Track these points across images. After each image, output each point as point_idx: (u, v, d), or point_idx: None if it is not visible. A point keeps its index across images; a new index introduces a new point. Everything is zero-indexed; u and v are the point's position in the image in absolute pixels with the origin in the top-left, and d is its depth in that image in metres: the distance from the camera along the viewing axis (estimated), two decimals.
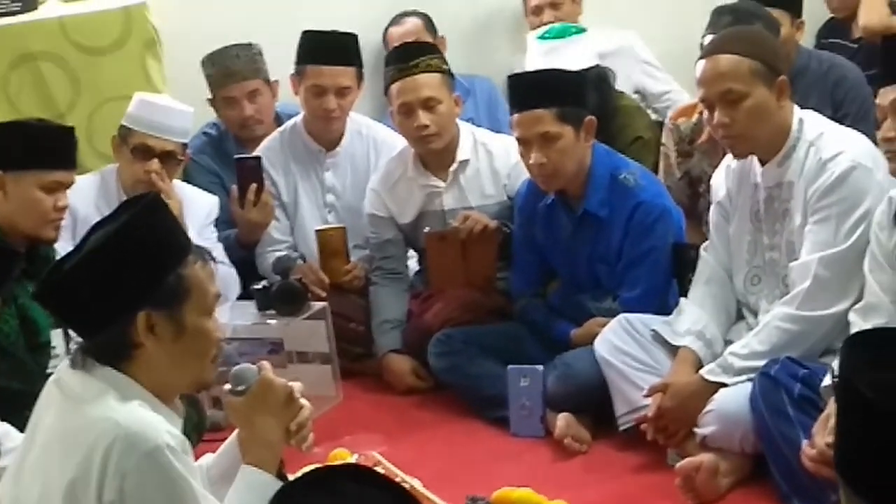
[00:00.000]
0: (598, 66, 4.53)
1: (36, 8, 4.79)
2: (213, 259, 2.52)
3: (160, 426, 2.33)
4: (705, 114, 3.63)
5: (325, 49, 4.64)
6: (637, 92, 5.23)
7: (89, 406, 2.34)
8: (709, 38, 3.83)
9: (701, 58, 3.56)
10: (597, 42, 5.36)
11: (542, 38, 4.52)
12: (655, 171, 4.42)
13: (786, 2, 4.46)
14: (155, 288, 2.36)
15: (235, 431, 2.64)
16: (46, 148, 3.71)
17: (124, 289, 2.35)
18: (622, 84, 4.86)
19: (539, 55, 4.43)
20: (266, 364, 2.63)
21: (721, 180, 3.75)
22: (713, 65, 3.48)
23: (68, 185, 3.78)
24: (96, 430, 2.29)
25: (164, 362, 2.40)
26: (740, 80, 3.44)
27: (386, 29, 5.50)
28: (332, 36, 4.69)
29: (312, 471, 1.62)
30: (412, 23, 5.47)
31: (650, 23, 5.66)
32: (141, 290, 2.36)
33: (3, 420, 3.35)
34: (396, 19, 5.50)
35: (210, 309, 2.47)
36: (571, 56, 4.39)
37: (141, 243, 2.37)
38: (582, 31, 4.57)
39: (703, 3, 4.58)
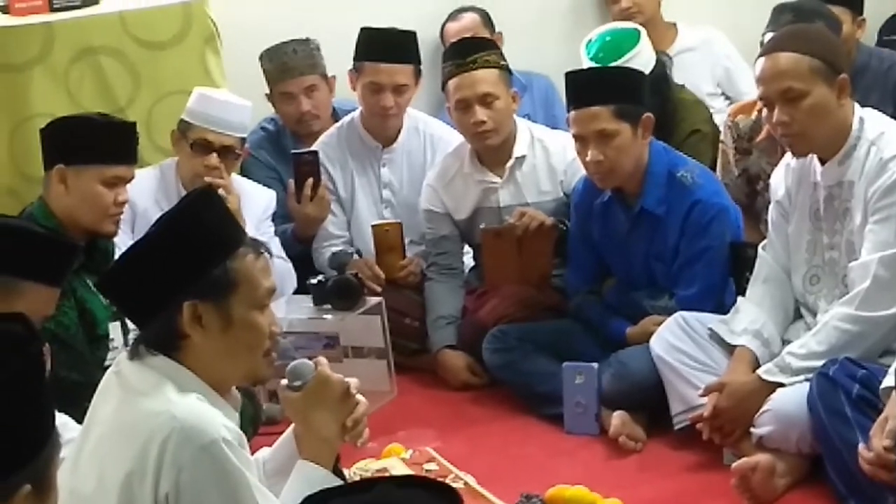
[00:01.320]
0: (656, 64, 4.50)
1: (97, 2, 4.81)
2: (270, 253, 2.53)
3: (217, 420, 2.34)
4: (764, 112, 3.61)
5: (384, 46, 4.65)
6: (718, 87, 5.19)
7: (147, 398, 2.36)
8: (769, 35, 3.80)
9: (761, 55, 3.53)
10: (680, 36, 5.38)
11: (596, 59, 4.42)
12: (713, 165, 4.39)
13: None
14: (200, 278, 2.39)
15: (292, 426, 2.65)
16: (108, 143, 3.74)
17: (169, 278, 2.38)
18: (703, 79, 4.82)
19: None
20: (323, 360, 2.64)
21: (780, 179, 3.73)
22: (773, 63, 3.45)
23: (129, 179, 3.80)
24: (153, 423, 2.31)
25: (213, 354, 2.42)
26: (800, 78, 3.41)
27: (443, 25, 5.50)
28: (391, 33, 4.70)
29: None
30: (469, 18, 5.48)
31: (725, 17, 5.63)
32: (185, 279, 2.38)
33: (61, 411, 3.37)
34: (454, 15, 5.50)
35: (261, 302, 2.47)
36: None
37: (187, 234, 2.40)
38: (636, 39, 4.47)
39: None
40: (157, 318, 2.41)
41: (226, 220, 2.49)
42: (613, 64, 4.36)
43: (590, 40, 4.53)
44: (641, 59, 4.42)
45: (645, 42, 4.49)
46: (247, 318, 2.44)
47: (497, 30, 5.49)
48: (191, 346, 2.41)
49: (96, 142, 3.72)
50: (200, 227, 2.41)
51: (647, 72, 4.33)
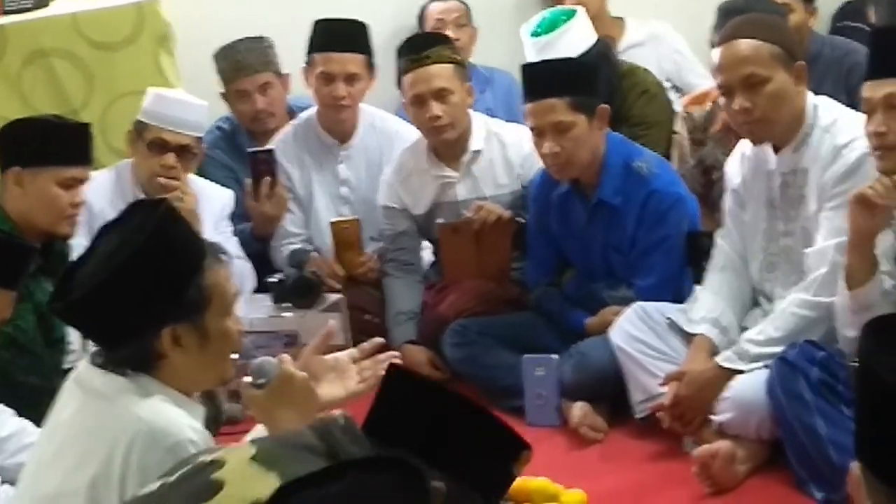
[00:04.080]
0: (597, 41, 4.52)
1: (48, 5, 4.80)
2: (227, 255, 2.52)
3: (182, 420, 2.34)
4: (719, 101, 3.63)
5: (334, 36, 4.65)
6: (668, 81, 5.23)
7: (110, 402, 2.35)
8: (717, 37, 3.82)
9: (718, 44, 3.55)
10: (628, 31, 5.40)
11: (534, 34, 4.46)
12: (666, 127, 4.39)
13: None
14: (177, 304, 2.37)
15: (258, 425, 2.65)
16: (63, 144, 3.73)
17: (146, 311, 2.35)
18: (653, 72, 4.84)
19: (535, 52, 4.39)
20: (286, 357, 2.63)
21: (736, 168, 3.75)
22: (733, 50, 3.48)
23: (85, 180, 3.79)
24: (118, 426, 2.31)
25: (190, 368, 2.42)
26: (761, 63, 3.43)
27: (423, 8, 5.51)
28: (341, 23, 4.69)
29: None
30: (454, 2, 5.49)
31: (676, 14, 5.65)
32: (163, 309, 2.36)
33: (20, 415, 3.36)
34: None
35: (230, 308, 2.48)
36: (568, 44, 4.37)
37: (158, 264, 2.36)
38: (572, 14, 4.50)
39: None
40: (130, 344, 2.38)
41: (189, 236, 2.47)
42: (548, 36, 4.38)
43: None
44: (578, 32, 4.44)
45: (581, 18, 4.50)
46: (221, 328, 2.44)
47: (473, 24, 5.52)
48: (167, 365, 2.40)
49: (52, 143, 3.70)
50: (168, 250, 2.37)
51: (585, 48, 4.37)
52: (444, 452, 1.83)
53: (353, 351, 2.73)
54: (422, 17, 5.54)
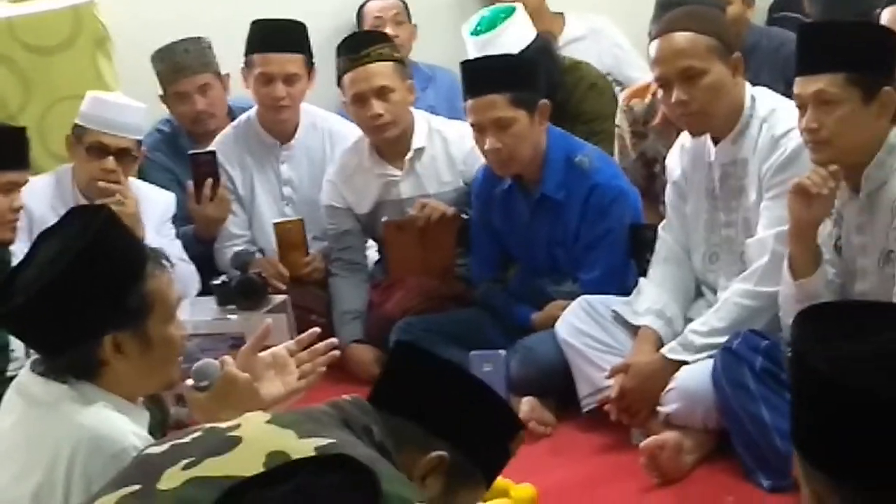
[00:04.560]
0: (536, 37, 4.53)
1: None
2: (169, 261, 2.50)
3: (125, 427, 2.32)
4: (659, 94, 3.64)
5: (272, 36, 4.63)
6: (609, 75, 5.25)
7: (52, 410, 2.33)
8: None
9: (655, 37, 3.57)
10: (568, 26, 5.42)
11: (474, 33, 4.47)
12: (613, 118, 4.43)
13: None
14: (118, 311, 2.35)
15: None
16: None
17: (87, 317, 2.33)
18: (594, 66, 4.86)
19: (475, 51, 4.40)
20: (228, 359, 2.62)
21: (676, 160, 3.77)
22: (669, 43, 3.49)
23: (22, 184, 3.76)
24: (60, 434, 2.29)
25: (132, 374, 2.40)
26: (698, 56, 3.45)
27: (361, 6, 5.50)
28: (279, 23, 4.68)
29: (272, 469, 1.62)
30: (392, 0, 5.48)
31: (615, 7, 5.66)
32: (104, 316, 2.34)
33: None
34: None
35: (173, 314, 2.46)
36: (507, 42, 4.38)
37: (98, 271, 2.33)
38: (511, 11, 4.51)
39: None
40: (71, 352, 2.36)
41: (129, 243, 2.45)
42: (488, 35, 4.40)
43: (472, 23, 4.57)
44: (517, 29, 4.46)
45: (520, 15, 4.52)
46: (163, 335, 2.42)
47: (412, 21, 5.52)
48: (109, 372, 2.38)
49: None
50: (108, 257, 2.35)
51: (525, 44, 4.39)
52: (449, 423, 1.85)
53: (290, 343, 2.72)
54: (360, 16, 5.53)
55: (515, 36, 4.42)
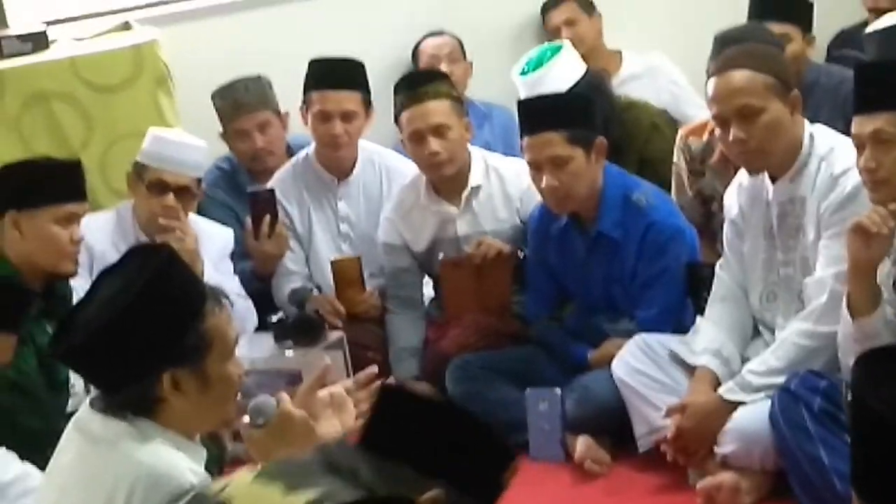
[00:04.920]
0: (587, 73, 4.54)
1: (47, 48, 4.82)
2: (228, 299, 2.52)
3: (182, 465, 2.33)
4: (716, 132, 3.64)
5: (330, 74, 4.67)
6: (665, 113, 5.26)
7: (110, 446, 2.35)
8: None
9: (712, 75, 3.56)
10: (625, 63, 5.42)
11: (523, 73, 4.49)
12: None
13: (796, 17, 4.47)
14: (176, 349, 2.37)
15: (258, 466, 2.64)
16: (56, 182, 3.73)
17: (146, 355, 2.36)
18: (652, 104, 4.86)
19: (525, 90, 4.42)
20: (285, 396, 2.62)
21: (733, 198, 3.76)
22: (727, 81, 3.49)
23: (82, 215, 3.79)
24: (118, 471, 2.30)
25: (190, 412, 2.41)
26: (756, 94, 3.44)
27: (417, 45, 5.53)
28: (337, 61, 4.72)
29: None
30: (446, 38, 5.52)
31: (673, 45, 5.66)
32: (163, 353, 2.36)
33: (24, 459, 3.36)
34: (430, 35, 5.53)
35: (231, 352, 2.48)
36: (556, 78, 4.40)
37: (158, 310, 2.36)
38: (557, 49, 4.54)
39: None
40: (130, 388, 2.38)
41: (189, 281, 2.47)
42: (536, 73, 4.41)
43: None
44: (564, 67, 4.47)
45: (567, 52, 4.54)
46: (221, 373, 2.44)
47: (468, 59, 5.54)
48: (167, 409, 2.40)
49: (45, 182, 3.71)
50: (168, 295, 2.38)
51: (573, 81, 4.40)
52: (440, 463, 1.85)
53: (348, 382, 2.72)
54: (416, 54, 5.56)
55: (563, 73, 4.44)
